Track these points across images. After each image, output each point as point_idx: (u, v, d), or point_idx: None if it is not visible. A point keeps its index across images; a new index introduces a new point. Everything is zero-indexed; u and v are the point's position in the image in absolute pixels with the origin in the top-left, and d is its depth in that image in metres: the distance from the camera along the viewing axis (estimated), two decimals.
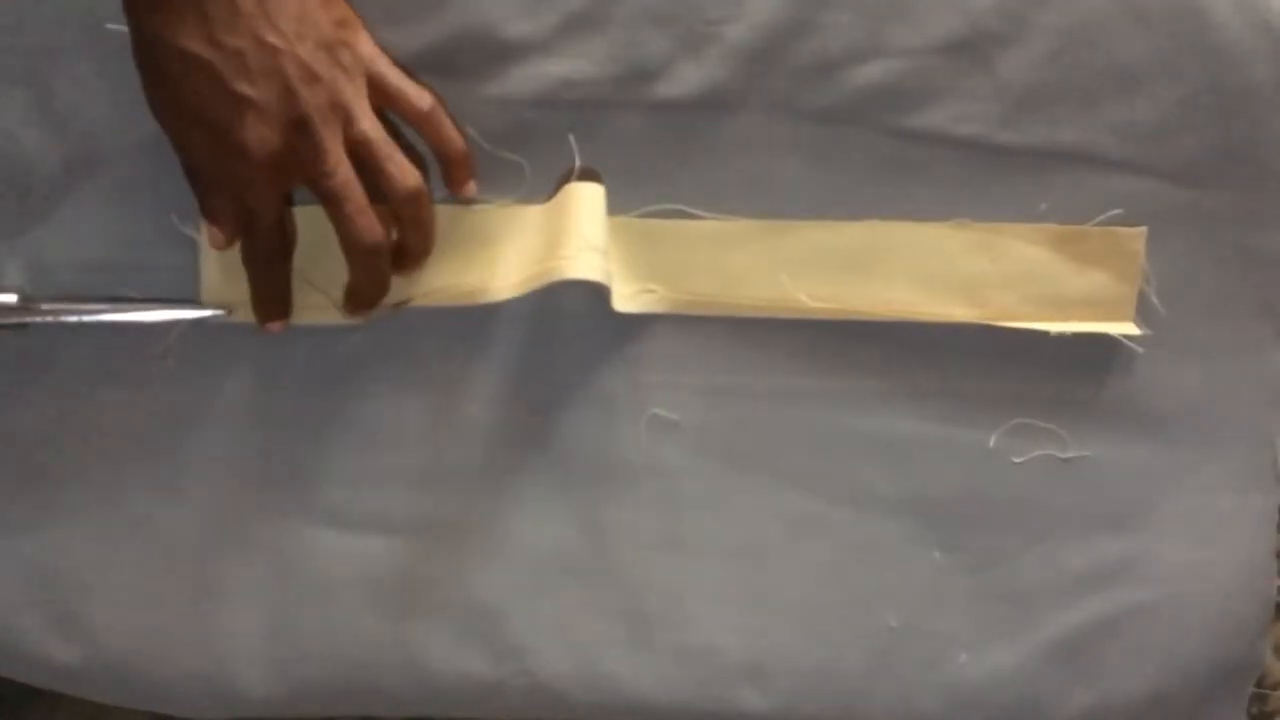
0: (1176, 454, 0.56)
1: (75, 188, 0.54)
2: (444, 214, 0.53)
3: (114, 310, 0.54)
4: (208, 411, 0.55)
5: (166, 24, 0.46)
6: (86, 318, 0.54)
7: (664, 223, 0.54)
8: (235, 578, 0.56)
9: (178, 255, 0.54)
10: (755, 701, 0.56)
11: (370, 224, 0.49)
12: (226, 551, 0.55)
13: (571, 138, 0.53)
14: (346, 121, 0.49)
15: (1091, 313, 0.55)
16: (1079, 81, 0.53)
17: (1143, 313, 0.55)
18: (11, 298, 0.53)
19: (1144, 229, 0.54)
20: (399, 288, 0.53)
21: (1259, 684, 0.71)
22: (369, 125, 0.49)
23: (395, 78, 0.50)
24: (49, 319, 0.53)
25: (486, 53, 0.53)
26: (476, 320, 0.54)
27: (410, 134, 0.52)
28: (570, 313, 0.54)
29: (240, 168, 0.48)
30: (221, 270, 0.54)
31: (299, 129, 0.47)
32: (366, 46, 0.50)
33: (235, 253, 0.52)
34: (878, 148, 0.54)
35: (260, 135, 0.47)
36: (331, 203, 0.49)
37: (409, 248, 0.52)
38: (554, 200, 0.54)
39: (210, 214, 0.50)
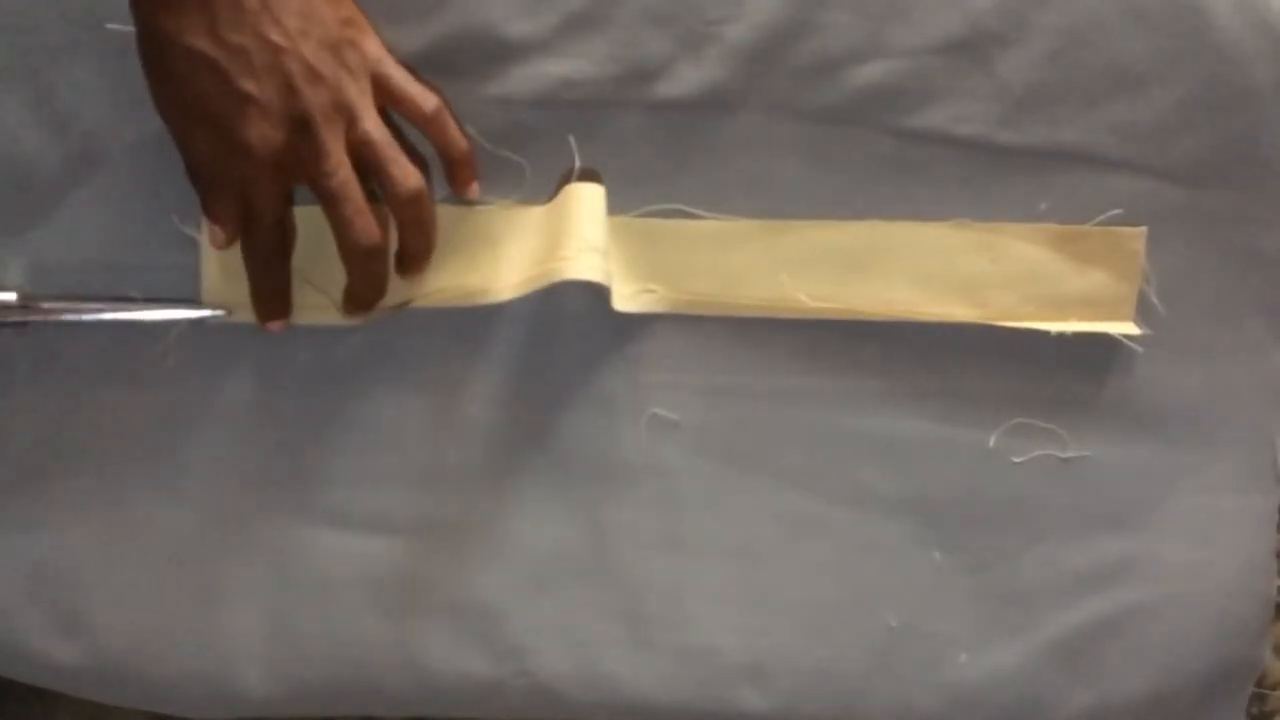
0: (1176, 454, 0.56)
1: (76, 187, 0.54)
2: (444, 214, 0.53)
3: (114, 310, 0.54)
4: (208, 411, 0.55)
5: (172, 21, 0.46)
6: (86, 317, 0.54)
7: (664, 223, 0.54)
8: (235, 578, 0.56)
9: (178, 255, 0.54)
10: (755, 701, 0.56)
11: (368, 226, 0.49)
12: (227, 551, 0.55)
13: (571, 138, 0.53)
14: (350, 121, 0.49)
15: (1091, 312, 0.55)
16: (1079, 81, 0.53)
17: (1143, 313, 0.55)
18: (11, 296, 0.53)
19: (1144, 229, 0.54)
20: (400, 289, 0.53)
21: (1259, 684, 0.71)
22: (372, 126, 0.49)
23: (401, 78, 0.50)
24: (49, 318, 0.53)
25: (486, 53, 0.53)
26: (477, 321, 0.54)
27: (413, 134, 0.52)
28: (570, 313, 0.54)
29: (243, 165, 0.48)
30: (222, 270, 0.54)
31: (301, 128, 0.47)
32: (373, 46, 0.50)
33: (236, 252, 0.52)
34: (878, 148, 0.54)
35: (262, 133, 0.47)
36: (330, 203, 0.49)
37: (410, 250, 0.52)
38: (554, 201, 0.54)
39: (212, 213, 0.50)
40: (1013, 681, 0.56)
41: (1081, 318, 0.55)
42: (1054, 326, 0.54)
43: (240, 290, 0.53)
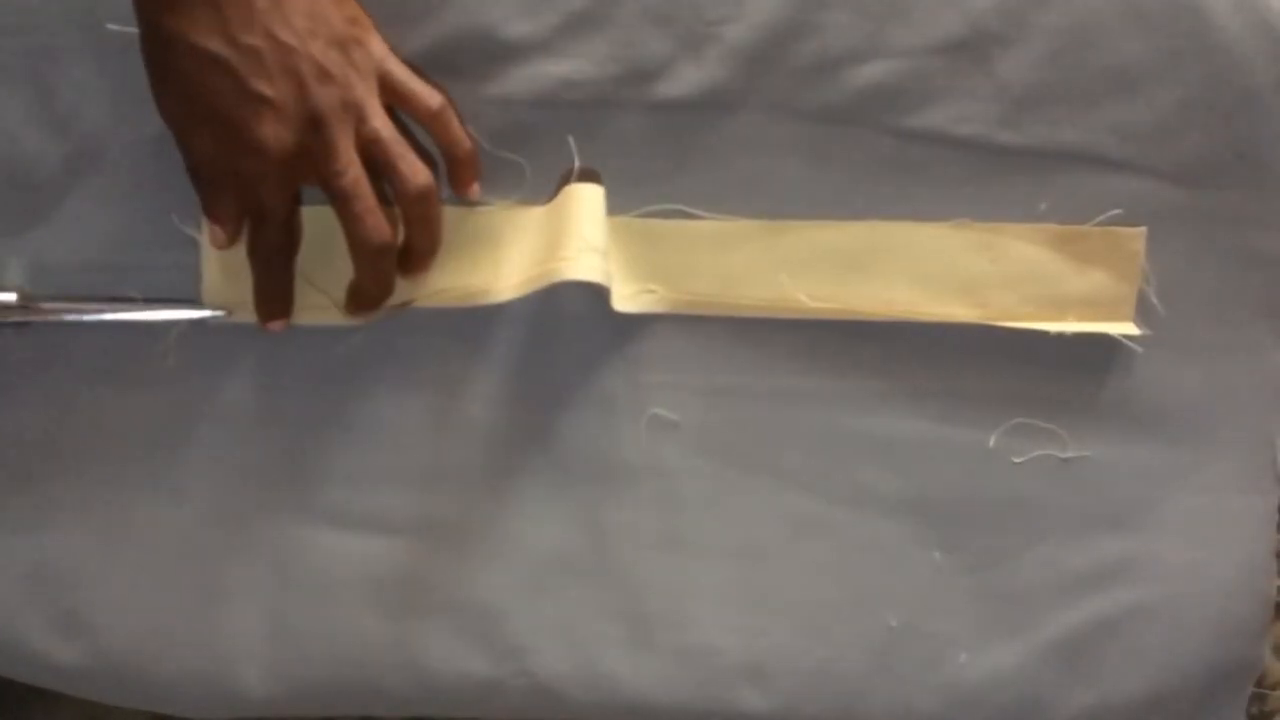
0: (1176, 454, 0.56)
1: (76, 187, 0.54)
2: (445, 215, 0.53)
3: (114, 310, 0.54)
4: (208, 411, 0.55)
5: (182, 22, 0.46)
6: (87, 317, 0.54)
7: (664, 223, 0.54)
8: (235, 578, 0.56)
9: (178, 255, 0.54)
10: (755, 702, 0.56)
11: (379, 224, 0.49)
12: (227, 551, 0.55)
13: (571, 139, 0.53)
14: (358, 120, 0.49)
15: (1091, 313, 0.55)
16: (1079, 81, 0.53)
17: (1143, 313, 0.55)
18: (11, 296, 0.53)
19: (1144, 229, 0.54)
20: (401, 289, 0.53)
21: (1259, 684, 0.71)
22: (380, 124, 0.49)
23: (406, 77, 0.50)
24: (49, 318, 0.54)
25: (486, 53, 0.53)
26: (477, 321, 0.54)
27: (419, 134, 0.52)
28: (570, 313, 0.54)
29: (254, 165, 0.48)
30: (222, 270, 0.54)
31: (313, 127, 0.47)
32: (377, 45, 0.50)
33: (236, 252, 0.52)
34: (878, 148, 0.54)
35: (276, 133, 0.47)
36: (341, 201, 0.49)
37: (416, 247, 0.52)
38: (554, 201, 0.54)
39: (213, 213, 0.50)
40: (1013, 681, 0.56)
41: (1081, 318, 0.55)
42: (1054, 327, 0.54)
43: (240, 290, 0.53)
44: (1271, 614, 0.58)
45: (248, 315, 0.53)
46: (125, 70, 0.51)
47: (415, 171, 0.50)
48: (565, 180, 0.54)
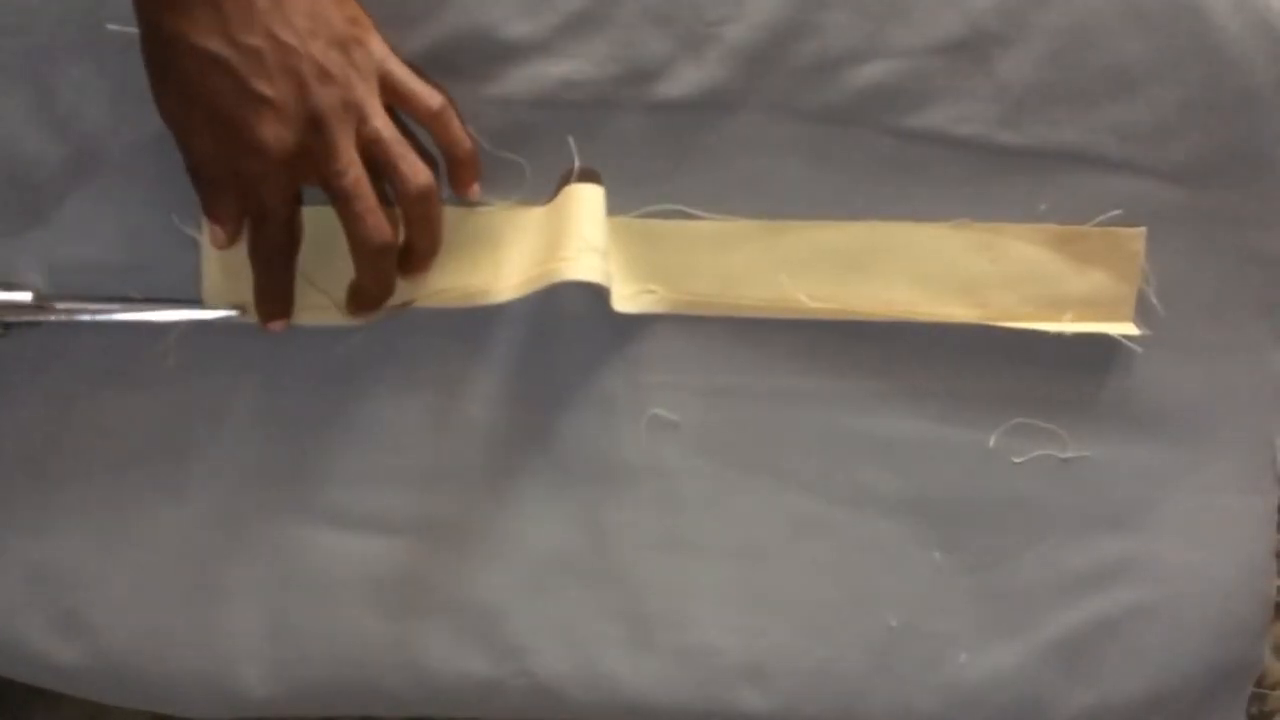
0: (1176, 454, 0.56)
1: (76, 188, 0.54)
2: (445, 215, 0.53)
3: (127, 309, 0.54)
4: (208, 411, 0.55)
5: (182, 22, 0.46)
6: (101, 317, 0.54)
7: (664, 223, 0.54)
8: (236, 577, 0.56)
9: (179, 255, 0.54)
10: (755, 702, 0.56)
11: (380, 224, 0.49)
12: (227, 551, 0.55)
13: (571, 139, 0.53)
14: (359, 120, 0.49)
15: (1091, 313, 0.55)
16: (1079, 81, 0.53)
17: (1142, 313, 0.55)
18: (26, 296, 0.53)
19: (1144, 229, 0.54)
20: (402, 289, 0.53)
21: (1259, 684, 0.71)
22: (381, 124, 0.49)
23: (406, 77, 0.50)
24: (64, 318, 0.54)
25: (486, 53, 0.53)
26: (476, 321, 0.54)
27: (419, 134, 0.52)
28: (570, 313, 0.54)
29: (255, 165, 0.48)
30: (223, 270, 0.54)
31: (313, 127, 0.47)
32: (378, 45, 0.50)
33: (237, 252, 0.52)
34: (878, 148, 0.54)
35: (277, 133, 0.47)
36: (342, 201, 0.49)
37: (417, 247, 0.52)
38: (554, 202, 0.54)
39: (213, 213, 0.50)
40: (1013, 681, 0.56)
41: (1081, 318, 0.55)
42: (1054, 327, 0.54)
43: (243, 290, 0.53)
44: (1271, 614, 0.58)
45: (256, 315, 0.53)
46: (125, 70, 0.51)
47: (416, 172, 0.50)
48: (565, 180, 0.54)
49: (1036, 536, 0.56)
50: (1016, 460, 0.56)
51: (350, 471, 0.55)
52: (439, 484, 0.55)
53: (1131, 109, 0.54)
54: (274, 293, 0.52)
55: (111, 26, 0.52)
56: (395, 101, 0.51)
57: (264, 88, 0.46)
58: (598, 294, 0.53)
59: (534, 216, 0.54)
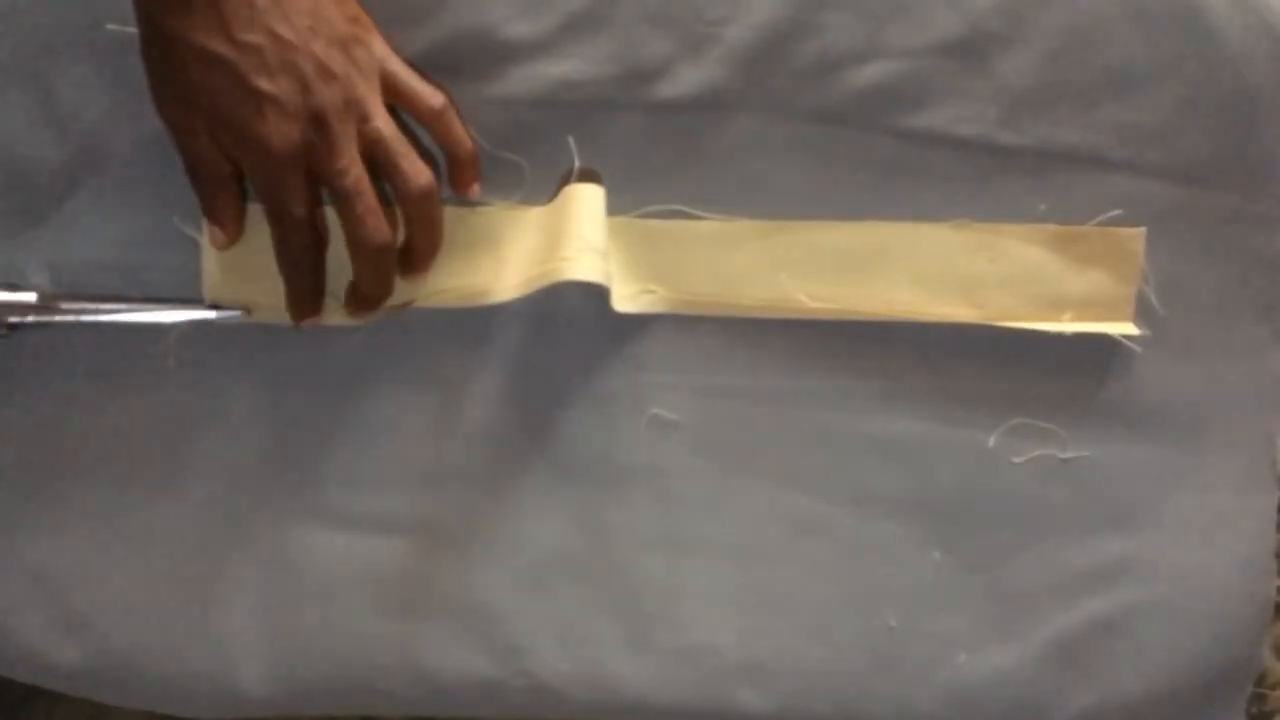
0: (1176, 454, 0.56)
1: (77, 188, 0.54)
2: (445, 215, 0.53)
3: (134, 310, 0.54)
4: (208, 411, 0.55)
5: (183, 22, 0.46)
6: (106, 317, 0.54)
7: (664, 223, 0.54)
8: (236, 577, 0.56)
9: (180, 255, 0.54)
10: (755, 701, 0.56)
11: (379, 224, 0.49)
12: (227, 551, 0.55)
13: (571, 139, 0.53)
14: (361, 119, 0.49)
15: (1091, 313, 0.55)
16: (1079, 81, 0.53)
17: (1142, 313, 0.55)
18: (31, 296, 0.53)
19: (1143, 229, 0.54)
20: (401, 289, 0.53)
21: (1259, 684, 0.71)
22: (383, 123, 0.49)
23: (408, 76, 0.50)
24: (70, 318, 0.54)
25: (486, 53, 0.53)
26: (477, 321, 0.54)
27: (420, 134, 0.52)
28: (570, 313, 0.54)
29: (261, 164, 0.48)
30: (223, 269, 0.54)
31: (315, 125, 0.47)
32: (379, 45, 0.50)
33: (237, 252, 0.52)
34: (878, 148, 0.54)
35: (280, 130, 0.47)
36: (343, 201, 0.49)
37: (418, 247, 0.52)
38: (554, 202, 0.54)
39: (211, 214, 0.50)
40: (1013, 681, 0.56)
41: (1081, 318, 0.55)
42: (1053, 327, 0.54)
43: (243, 290, 0.53)
44: (1271, 614, 0.58)
45: (265, 315, 0.53)
46: (125, 70, 0.51)
47: (417, 171, 0.50)
48: (565, 180, 0.54)
49: (1036, 536, 0.56)
50: (1016, 460, 0.56)
51: (350, 471, 0.55)
52: (439, 484, 0.55)
53: (1131, 109, 0.54)
54: (304, 293, 0.51)
55: (111, 26, 0.52)
56: (397, 101, 0.51)
57: (265, 85, 0.47)
58: (598, 294, 0.53)
59: (534, 216, 0.54)
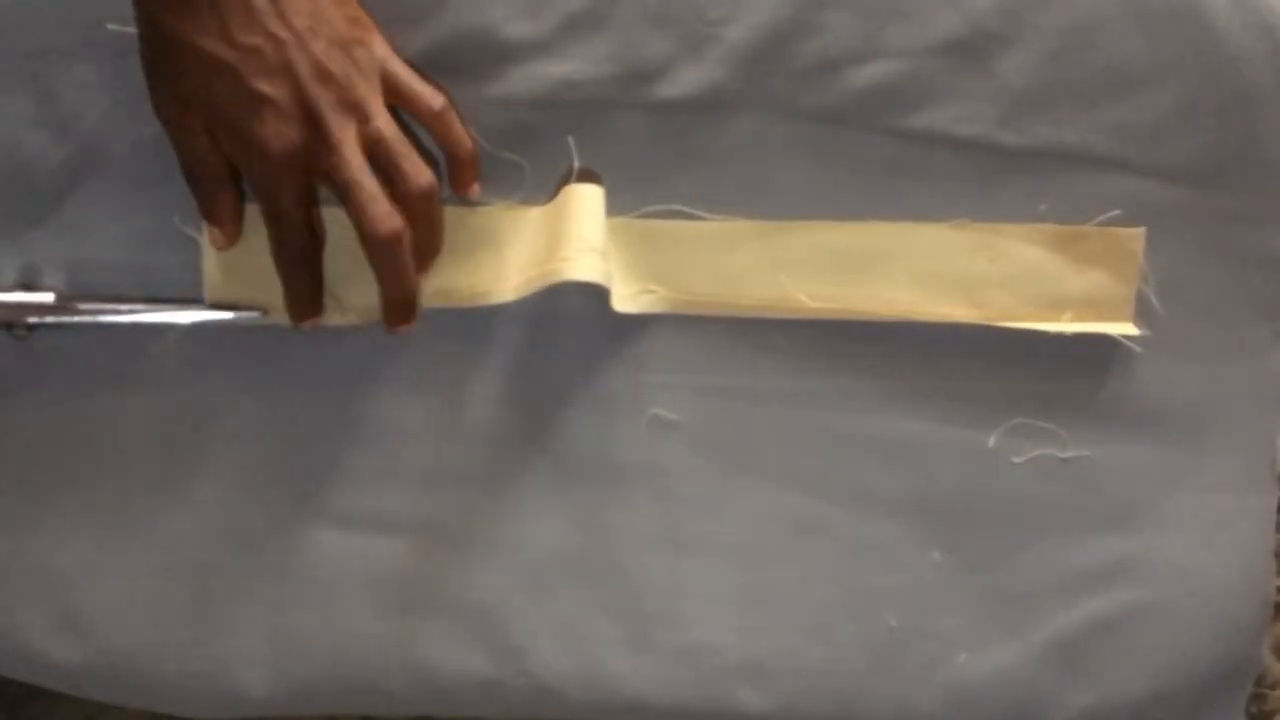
0: (1176, 454, 0.56)
1: (78, 189, 0.54)
2: (446, 215, 0.53)
3: (150, 310, 0.54)
4: (209, 412, 0.55)
5: (183, 23, 0.46)
6: (123, 317, 0.54)
7: (664, 223, 0.54)
8: (236, 577, 0.56)
9: (180, 255, 0.54)
10: (755, 701, 0.56)
11: (387, 213, 0.49)
12: (227, 551, 0.55)
13: (571, 139, 0.53)
14: (361, 120, 0.49)
15: (1091, 313, 0.55)
16: (1079, 81, 0.53)
17: (1142, 313, 0.55)
18: (49, 297, 0.53)
19: (1143, 229, 0.54)
20: None
21: (1259, 684, 0.71)
22: (384, 123, 0.49)
23: (408, 77, 0.50)
24: (86, 318, 0.53)
25: (486, 53, 0.53)
26: (477, 321, 0.54)
27: (421, 134, 0.52)
28: (570, 313, 0.54)
29: (260, 166, 0.48)
30: (223, 270, 0.54)
31: (314, 126, 0.48)
32: (379, 45, 0.50)
33: (238, 253, 0.52)
34: (878, 148, 0.54)
35: (278, 132, 0.47)
36: (347, 195, 0.49)
37: (420, 246, 0.52)
38: (553, 202, 0.54)
39: (209, 214, 0.50)
40: (1013, 681, 0.56)
41: (1081, 318, 0.55)
42: (1053, 327, 0.54)
43: (244, 290, 0.53)
44: (1271, 614, 0.58)
45: (281, 316, 0.53)
46: (125, 70, 0.51)
47: (419, 171, 0.50)
48: (565, 180, 0.54)
49: (1036, 536, 0.56)
50: (1016, 460, 0.56)
51: (350, 471, 0.55)
52: (439, 484, 0.55)
53: (1131, 109, 0.54)
54: (303, 294, 0.52)
55: (111, 26, 0.52)
56: (397, 101, 0.51)
57: (263, 87, 0.47)
58: (598, 294, 0.53)
59: (534, 216, 0.54)
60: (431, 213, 0.51)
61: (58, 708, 0.74)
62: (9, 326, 0.53)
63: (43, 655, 0.56)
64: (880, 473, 0.56)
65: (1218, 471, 0.56)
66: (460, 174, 0.52)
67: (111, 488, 0.55)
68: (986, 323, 0.54)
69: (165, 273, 0.54)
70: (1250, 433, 0.57)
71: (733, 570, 0.56)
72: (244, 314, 0.54)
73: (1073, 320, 0.55)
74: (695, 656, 0.56)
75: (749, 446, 0.55)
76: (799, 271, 0.54)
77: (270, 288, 0.53)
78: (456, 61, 0.53)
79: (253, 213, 0.52)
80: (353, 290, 0.53)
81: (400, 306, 0.51)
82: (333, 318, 0.53)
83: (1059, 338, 0.54)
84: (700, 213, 0.54)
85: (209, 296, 0.54)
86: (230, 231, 0.51)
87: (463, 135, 0.52)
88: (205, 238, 0.53)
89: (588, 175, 0.53)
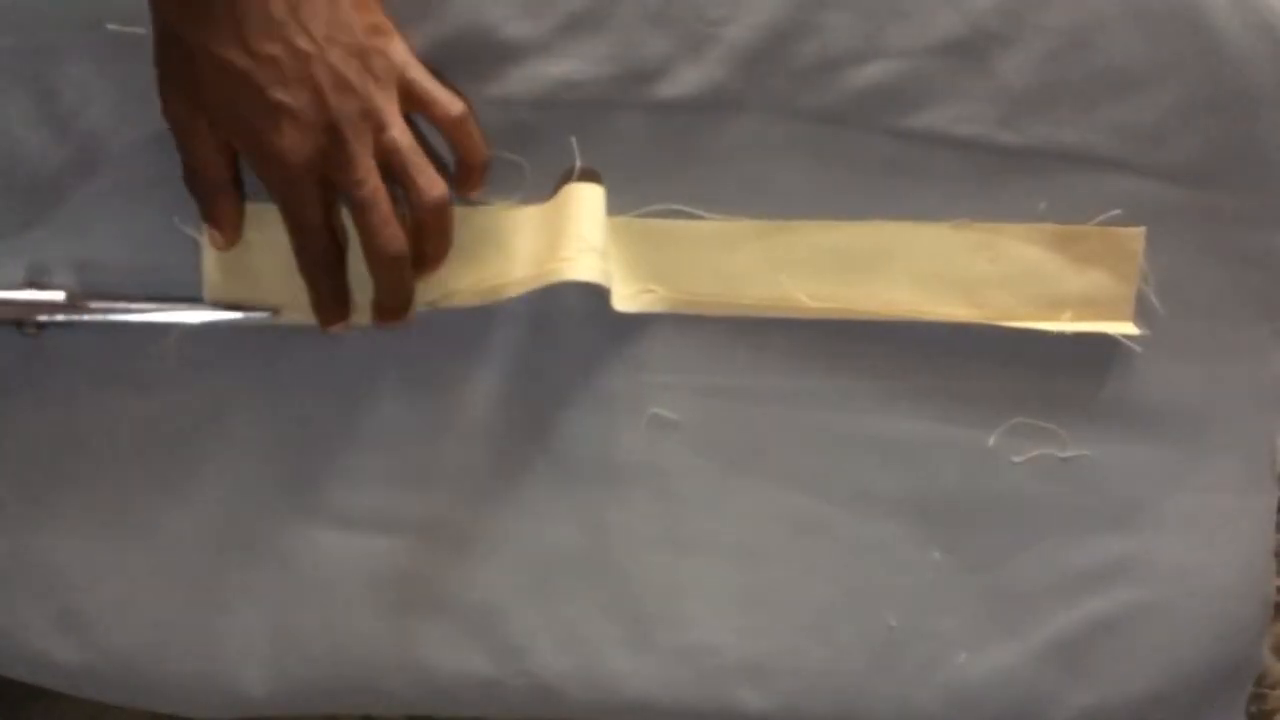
0: (1176, 454, 0.56)
1: (78, 189, 0.54)
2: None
3: (162, 310, 0.54)
4: (209, 412, 0.55)
5: (201, 32, 0.46)
6: (133, 317, 0.54)
7: (664, 223, 0.54)
8: (236, 577, 0.56)
9: (180, 255, 0.54)
10: (755, 701, 0.56)
11: (395, 234, 0.50)
12: (227, 551, 0.55)
13: (573, 139, 0.53)
14: (377, 129, 0.49)
15: (1091, 313, 0.55)
16: (1079, 81, 0.53)
17: (1142, 313, 0.55)
18: (60, 295, 0.53)
19: (1143, 229, 0.54)
20: (420, 292, 0.53)
21: (1259, 684, 0.71)
22: (399, 133, 0.49)
23: (428, 83, 0.50)
24: (97, 317, 0.53)
25: (486, 53, 0.53)
26: (477, 321, 0.54)
27: (435, 138, 0.52)
28: (570, 313, 0.54)
29: (278, 175, 0.48)
30: (223, 271, 0.54)
31: (331, 136, 0.48)
32: (399, 52, 0.50)
33: (238, 253, 0.52)
34: (878, 148, 0.54)
35: (295, 141, 0.47)
36: (359, 211, 0.49)
37: (427, 254, 0.52)
38: (553, 201, 0.54)
39: (210, 217, 0.50)
40: (1013, 681, 0.56)
41: (1081, 318, 0.55)
42: (1053, 326, 0.54)
43: (243, 291, 0.53)
44: (1271, 614, 0.58)
45: (294, 316, 0.53)
46: (126, 70, 0.51)
47: (432, 184, 0.50)
48: (565, 180, 0.54)
49: (1036, 536, 0.56)
50: (1016, 460, 0.56)
51: (350, 471, 0.55)
52: (439, 484, 0.55)
53: (1131, 109, 0.54)
54: (328, 299, 0.52)
55: (111, 26, 0.52)
56: (417, 107, 0.51)
57: (281, 96, 0.47)
58: (598, 294, 0.53)
59: (533, 215, 0.54)
60: (442, 224, 0.51)
61: (58, 708, 0.74)
62: (19, 325, 0.54)
63: (43, 655, 0.56)
64: (880, 473, 0.56)
65: (1218, 471, 0.56)
66: (469, 179, 0.52)
67: (112, 488, 0.55)
68: (986, 322, 0.54)
69: (165, 273, 0.54)
70: (1250, 433, 0.57)
71: (733, 570, 0.56)
72: (254, 314, 0.54)
73: (1073, 320, 0.55)
74: (695, 656, 0.56)
75: (749, 446, 0.55)
76: (799, 271, 0.54)
77: (270, 288, 0.53)
78: (456, 61, 0.52)
79: (252, 213, 0.52)
80: (358, 292, 0.53)
81: (392, 311, 0.52)
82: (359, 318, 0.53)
83: (1059, 337, 0.54)
84: (700, 212, 0.54)
85: (208, 296, 0.54)
86: (230, 234, 0.51)
87: (479, 143, 0.52)
88: (205, 238, 0.53)
89: (588, 175, 0.53)
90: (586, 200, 0.53)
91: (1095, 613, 0.56)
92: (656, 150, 0.54)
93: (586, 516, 0.55)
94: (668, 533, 0.55)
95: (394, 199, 0.50)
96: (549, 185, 0.54)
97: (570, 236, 0.52)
